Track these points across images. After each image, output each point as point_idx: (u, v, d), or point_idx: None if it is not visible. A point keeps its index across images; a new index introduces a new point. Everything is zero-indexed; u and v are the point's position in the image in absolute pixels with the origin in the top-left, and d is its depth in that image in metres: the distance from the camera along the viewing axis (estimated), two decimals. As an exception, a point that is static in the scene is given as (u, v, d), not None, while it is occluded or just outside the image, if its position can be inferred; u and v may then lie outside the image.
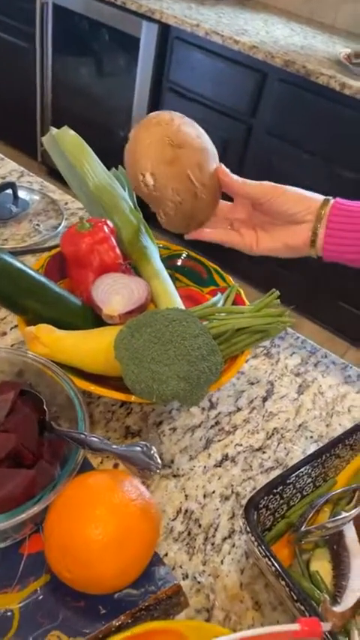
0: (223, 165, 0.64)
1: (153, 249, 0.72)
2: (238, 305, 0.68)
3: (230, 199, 0.68)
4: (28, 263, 0.67)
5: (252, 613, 0.48)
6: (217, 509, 0.55)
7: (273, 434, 0.64)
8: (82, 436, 0.46)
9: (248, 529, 0.46)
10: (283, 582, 0.43)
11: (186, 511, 0.54)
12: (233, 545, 0.53)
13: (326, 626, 0.37)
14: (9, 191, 0.90)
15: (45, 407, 0.51)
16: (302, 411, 0.68)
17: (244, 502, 0.55)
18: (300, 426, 0.66)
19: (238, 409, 0.66)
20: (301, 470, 0.52)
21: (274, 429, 0.65)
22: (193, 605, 0.48)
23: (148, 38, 2.00)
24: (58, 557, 0.42)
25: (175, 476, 0.57)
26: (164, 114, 0.62)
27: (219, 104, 1.96)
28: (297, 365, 0.74)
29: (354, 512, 0.51)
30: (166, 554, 0.51)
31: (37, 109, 2.54)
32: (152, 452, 0.44)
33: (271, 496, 0.50)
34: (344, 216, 0.61)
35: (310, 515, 0.51)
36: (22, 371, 0.54)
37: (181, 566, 0.50)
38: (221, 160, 0.65)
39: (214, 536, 0.53)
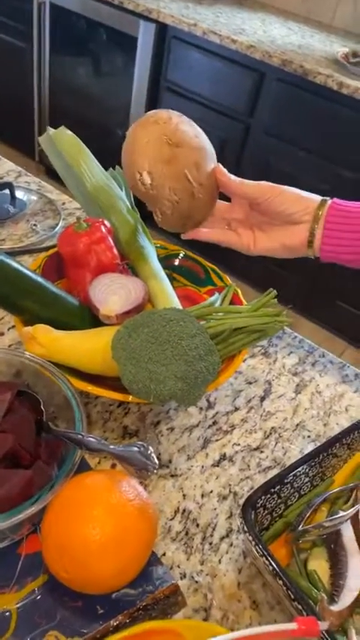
0: (220, 165, 0.64)
1: (150, 249, 0.72)
2: (236, 305, 0.68)
3: (228, 199, 0.68)
4: (25, 263, 0.67)
5: (250, 612, 0.48)
6: (215, 508, 0.55)
7: (271, 433, 0.64)
8: (80, 436, 0.46)
9: (246, 528, 0.46)
10: (280, 581, 0.43)
11: (184, 511, 0.55)
12: (231, 545, 0.53)
13: (323, 625, 0.37)
14: (6, 191, 0.90)
15: (42, 407, 0.51)
16: (300, 411, 0.68)
17: (241, 501, 0.55)
18: (297, 425, 0.66)
19: (236, 409, 0.66)
20: (299, 469, 0.52)
21: (272, 428, 0.65)
22: (190, 604, 0.48)
23: (145, 38, 1.99)
24: (55, 558, 0.42)
25: (172, 476, 0.57)
26: (162, 112, 0.62)
27: (217, 104, 1.96)
28: (294, 364, 0.74)
29: (351, 511, 0.51)
30: (164, 554, 0.51)
31: (34, 109, 2.54)
32: (149, 452, 0.44)
33: (269, 495, 0.50)
34: (341, 217, 0.61)
35: (307, 515, 0.51)
36: (20, 371, 0.54)
37: (178, 566, 0.50)
38: (219, 159, 0.65)
39: (211, 535, 0.53)
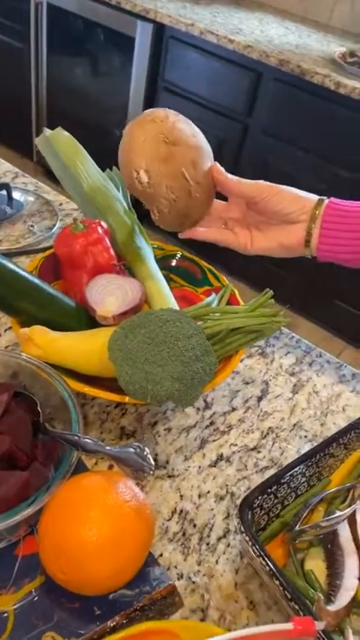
0: (217, 164, 0.64)
1: (147, 249, 0.72)
2: (233, 305, 0.68)
3: (224, 199, 0.68)
4: (22, 264, 0.67)
5: (247, 612, 0.48)
6: (212, 509, 0.55)
7: (268, 433, 0.64)
8: (76, 438, 0.46)
9: (242, 529, 0.46)
10: (277, 582, 0.43)
11: (181, 511, 0.55)
12: (228, 545, 0.53)
13: (320, 625, 0.37)
14: (3, 192, 0.90)
15: (39, 408, 0.51)
16: (297, 411, 0.68)
17: (238, 502, 0.55)
18: (295, 425, 0.66)
19: (233, 409, 0.66)
20: (296, 469, 0.52)
21: (269, 428, 0.65)
22: (188, 605, 0.48)
23: (142, 38, 1.99)
24: (52, 559, 0.42)
25: (170, 476, 0.57)
26: (159, 111, 0.63)
27: (214, 103, 1.96)
28: (292, 364, 0.74)
29: (348, 511, 0.51)
30: (161, 555, 0.51)
31: (32, 110, 2.53)
32: (145, 453, 0.44)
33: (265, 496, 0.50)
34: (338, 217, 0.61)
35: (304, 515, 0.51)
36: (17, 373, 0.54)
37: (176, 567, 0.50)
38: (217, 159, 0.65)
39: (208, 536, 0.53)
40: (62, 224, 0.89)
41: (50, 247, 0.70)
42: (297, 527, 0.50)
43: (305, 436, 0.65)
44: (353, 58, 1.81)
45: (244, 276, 2.04)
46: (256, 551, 0.45)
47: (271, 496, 0.51)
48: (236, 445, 0.62)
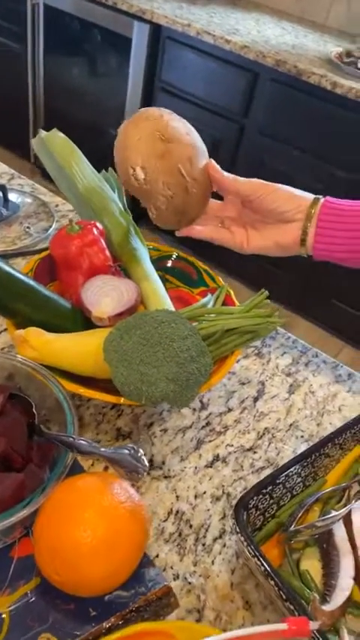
0: (213, 161, 0.64)
1: (143, 250, 0.72)
2: (228, 306, 0.68)
3: (220, 199, 0.68)
4: (18, 266, 0.67)
5: (242, 613, 0.48)
6: (208, 509, 0.56)
7: (264, 434, 0.64)
8: (71, 439, 0.46)
9: (238, 529, 0.46)
10: (272, 582, 0.43)
11: (177, 512, 0.55)
12: (224, 546, 0.53)
13: (314, 625, 0.37)
14: (-1, 194, 0.90)
15: (34, 410, 0.51)
16: (293, 411, 0.68)
17: (234, 502, 0.55)
18: (291, 425, 0.66)
19: (229, 409, 0.66)
20: (291, 469, 0.52)
21: (265, 428, 0.65)
22: (183, 605, 0.48)
23: (139, 38, 1.99)
24: (47, 560, 0.42)
25: (166, 477, 0.57)
26: (153, 110, 0.63)
27: (211, 104, 1.96)
28: (288, 365, 0.74)
29: (343, 511, 0.51)
30: (157, 556, 0.51)
31: (29, 111, 2.53)
32: (139, 454, 0.44)
33: (261, 496, 0.50)
34: (334, 215, 0.61)
35: (299, 515, 0.51)
36: (12, 374, 0.54)
37: (172, 567, 0.50)
38: (213, 159, 0.65)
39: (204, 536, 0.53)
40: (58, 225, 0.89)
41: (46, 249, 0.70)
42: (292, 528, 0.50)
43: (301, 436, 0.65)
44: (350, 58, 1.81)
45: (241, 275, 2.04)
46: (251, 551, 0.45)
47: (267, 496, 0.51)
48: (232, 446, 0.62)
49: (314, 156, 1.81)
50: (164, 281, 0.72)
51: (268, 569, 0.44)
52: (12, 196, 0.92)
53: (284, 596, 0.43)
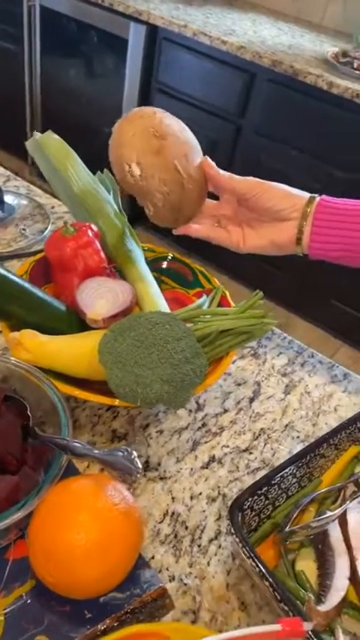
0: (208, 158, 0.64)
1: (138, 252, 0.72)
2: (224, 307, 0.68)
3: (216, 199, 0.68)
4: (14, 268, 0.67)
5: (238, 614, 0.48)
6: (204, 510, 0.56)
7: (260, 434, 0.64)
8: (65, 441, 0.46)
9: (233, 530, 0.46)
10: (267, 583, 0.43)
11: (173, 513, 0.55)
12: (219, 547, 0.53)
13: (307, 626, 0.37)
14: (-5, 196, 0.90)
15: (29, 413, 0.51)
16: (289, 411, 0.68)
17: (230, 503, 0.55)
18: (287, 426, 0.66)
19: (225, 410, 0.66)
20: (286, 470, 0.52)
21: (261, 429, 0.65)
22: (179, 607, 0.48)
23: (136, 39, 2.00)
24: (41, 563, 0.42)
25: (161, 478, 0.57)
26: (147, 108, 0.63)
27: (208, 104, 1.96)
28: (284, 365, 0.74)
29: (338, 511, 0.51)
30: (153, 557, 0.51)
31: (26, 112, 2.53)
32: (133, 456, 0.44)
33: (256, 497, 0.50)
34: (330, 214, 0.61)
35: (295, 515, 0.51)
36: (6, 377, 0.54)
37: (167, 569, 0.50)
38: (211, 159, 0.65)
39: (200, 537, 0.53)
40: (54, 227, 0.89)
41: (42, 251, 0.70)
42: (288, 528, 0.50)
43: (297, 437, 0.65)
44: (346, 58, 1.81)
45: (238, 275, 2.04)
46: (246, 552, 0.45)
47: (262, 497, 0.51)
48: (228, 446, 0.62)
49: (311, 156, 1.81)
50: (160, 282, 0.72)
51: (264, 570, 0.44)
52: (8, 198, 0.92)
53: (279, 597, 0.43)
